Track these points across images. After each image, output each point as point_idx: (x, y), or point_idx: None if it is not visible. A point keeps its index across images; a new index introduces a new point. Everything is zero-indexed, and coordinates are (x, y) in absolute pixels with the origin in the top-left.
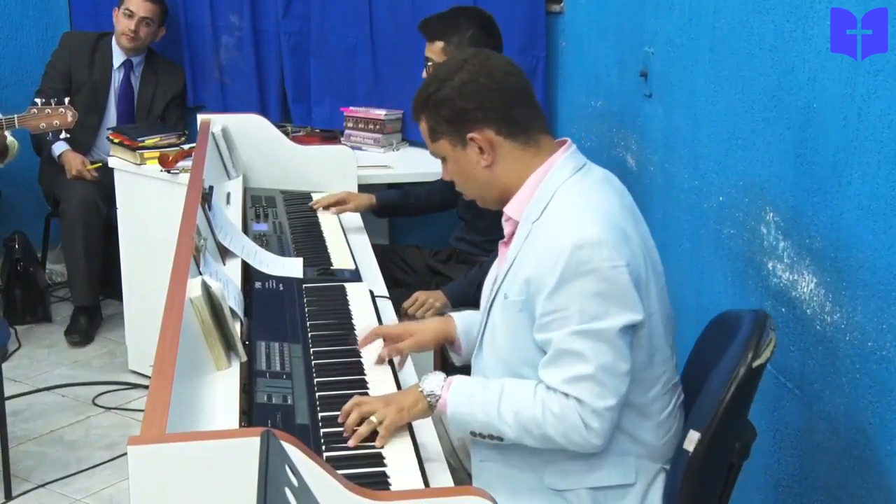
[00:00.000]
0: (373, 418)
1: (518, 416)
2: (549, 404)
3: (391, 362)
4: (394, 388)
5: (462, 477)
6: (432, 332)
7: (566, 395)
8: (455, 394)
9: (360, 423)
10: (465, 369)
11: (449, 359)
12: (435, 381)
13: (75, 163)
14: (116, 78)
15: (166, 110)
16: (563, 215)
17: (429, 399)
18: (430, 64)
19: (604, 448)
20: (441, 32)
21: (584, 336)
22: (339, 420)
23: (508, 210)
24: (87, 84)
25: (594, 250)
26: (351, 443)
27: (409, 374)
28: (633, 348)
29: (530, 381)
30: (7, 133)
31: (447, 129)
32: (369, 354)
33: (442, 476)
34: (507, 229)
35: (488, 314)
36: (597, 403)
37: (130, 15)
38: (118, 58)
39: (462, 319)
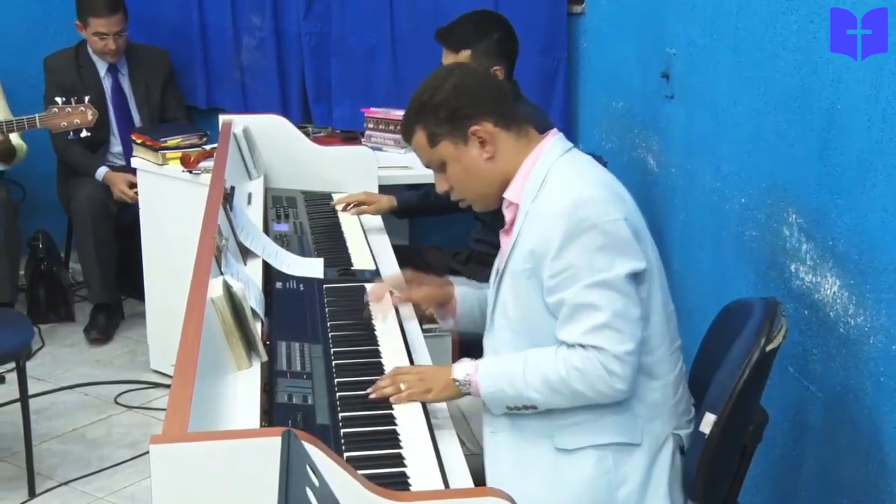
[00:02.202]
0: (401, 385)
1: (545, 381)
2: (571, 361)
3: (409, 356)
4: None
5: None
6: (428, 288)
7: (585, 346)
8: (484, 376)
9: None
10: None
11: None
12: (464, 369)
13: (116, 183)
14: (107, 84)
15: (164, 96)
16: (560, 186)
17: (459, 386)
18: None
19: (630, 393)
20: (467, 41)
21: (594, 288)
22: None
23: (508, 195)
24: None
25: (591, 207)
26: (373, 395)
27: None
28: (639, 295)
29: (550, 346)
30: (16, 135)
31: (447, 130)
32: (389, 354)
33: (462, 476)
34: (507, 216)
35: (496, 295)
36: (616, 348)
37: (103, 36)
38: (102, 65)
39: (461, 286)
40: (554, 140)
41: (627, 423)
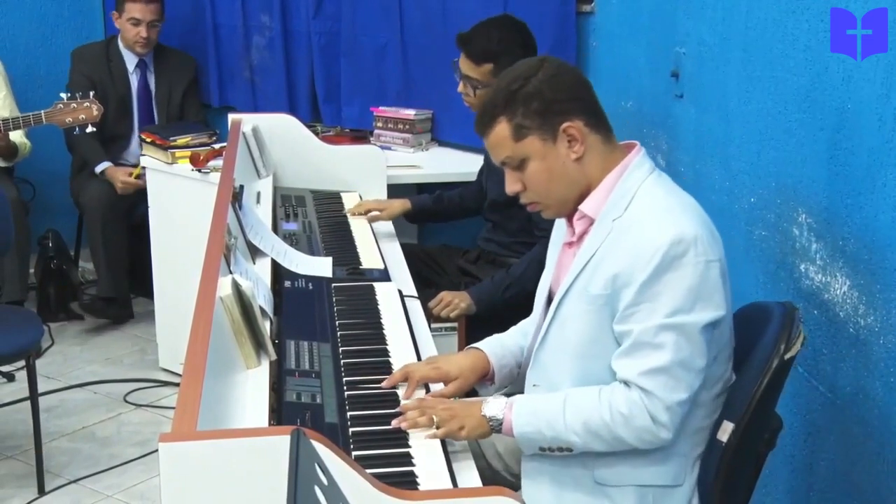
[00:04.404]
0: (434, 417)
1: (587, 425)
2: (616, 406)
3: (418, 355)
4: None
5: (494, 476)
6: (470, 371)
7: (631, 385)
8: (518, 414)
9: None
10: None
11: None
12: (497, 406)
13: (117, 177)
14: (134, 80)
15: (185, 99)
16: (656, 212)
17: (491, 424)
18: (478, 88)
19: (673, 441)
20: (490, 55)
21: (666, 329)
22: (399, 409)
23: (585, 207)
24: (112, 93)
25: (691, 246)
26: (403, 425)
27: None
28: (709, 345)
29: (592, 387)
30: (21, 133)
31: (537, 123)
32: (397, 353)
33: (470, 476)
34: (578, 228)
35: (556, 310)
36: (667, 397)
37: (137, 22)
38: (131, 60)
39: (492, 350)
40: (640, 157)
41: (673, 465)
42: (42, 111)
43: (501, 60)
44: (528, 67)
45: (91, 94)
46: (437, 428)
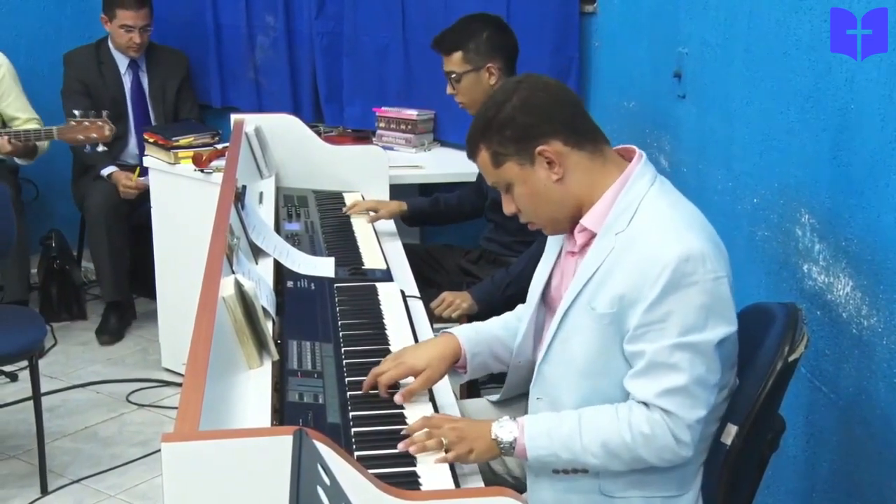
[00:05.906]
0: (443, 439)
1: (605, 446)
2: (637, 426)
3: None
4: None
5: (495, 479)
6: (439, 360)
7: (651, 406)
8: (532, 438)
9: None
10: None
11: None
12: (508, 429)
13: (120, 180)
14: (127, 81)
15: (178, 96)
16: (661, 227)
17: (502, 447)
18: (453, 77)
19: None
20: (457, 42)
21: (681, 349)
22: (405, 432)
23: (586, 221)
24: (105, 95)
25: (699, 263)
26: (412, 450)
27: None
28: (722, 359)
29: (605, 406)
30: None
31: (513, 149)
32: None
33: (472, 476)
34: (579, 240)
35: (560, 322)
36: (688, 416)
37: (130, 29)
38: (122, 61)
39: (466, 336)
40: (641, 166)
41: (679, 474)
42: (55, 128)
43: (469, 46)
44: (505, 91)
45: (105, 113)
46: (447, 451)
